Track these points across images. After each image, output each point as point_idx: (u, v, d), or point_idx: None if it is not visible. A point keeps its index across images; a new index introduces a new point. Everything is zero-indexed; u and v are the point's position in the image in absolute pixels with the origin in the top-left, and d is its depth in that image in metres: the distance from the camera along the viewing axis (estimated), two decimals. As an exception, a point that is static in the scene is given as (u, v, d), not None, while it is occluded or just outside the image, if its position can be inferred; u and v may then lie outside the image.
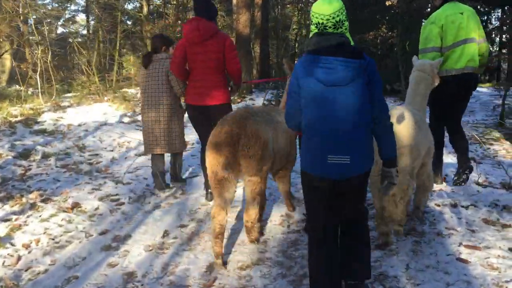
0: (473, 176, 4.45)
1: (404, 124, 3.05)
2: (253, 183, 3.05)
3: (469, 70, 4.20)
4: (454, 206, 3.84)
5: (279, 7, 19.07)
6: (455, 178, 4.35)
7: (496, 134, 6.73)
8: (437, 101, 4.23)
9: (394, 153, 2.44)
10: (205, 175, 3.97)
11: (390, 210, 3.11)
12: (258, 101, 10.48)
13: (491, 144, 6.27)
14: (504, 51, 25.79)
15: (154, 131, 4.38)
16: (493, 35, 25.23)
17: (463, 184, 4.31)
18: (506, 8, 24.28)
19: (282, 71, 11.58)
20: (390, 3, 11.08)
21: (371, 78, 2.26)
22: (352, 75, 2.22)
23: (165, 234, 3.60)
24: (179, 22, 9.50)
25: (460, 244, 3.15)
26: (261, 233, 3.49)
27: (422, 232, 3.40)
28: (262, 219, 3.64)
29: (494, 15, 23.71)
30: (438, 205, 3.90)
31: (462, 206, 3.82)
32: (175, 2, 9.38)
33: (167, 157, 4.77)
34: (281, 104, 3.83)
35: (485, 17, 19.88)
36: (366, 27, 11.83)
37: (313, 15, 2.35)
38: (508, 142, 6.52)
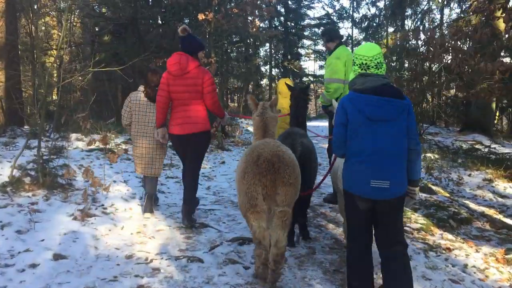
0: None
1: None
2: (286, 213, 2.96)
3: None
4: None
5: (35, 19, 13.45)
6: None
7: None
8: None
9: (419, 175, 2.88)
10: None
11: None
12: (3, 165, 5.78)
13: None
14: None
15: (148, 155, 4.67)
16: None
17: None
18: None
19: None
20: (203, 17, 8.16)
21: (409, 115, 2.70)
22: (396, 113, 2.66)
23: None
24: None
25: None
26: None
27: None
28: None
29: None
30: None
31: None
32: None
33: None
34: (252, 139, 3.67)
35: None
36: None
37: (357, 57, 2.83)
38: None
